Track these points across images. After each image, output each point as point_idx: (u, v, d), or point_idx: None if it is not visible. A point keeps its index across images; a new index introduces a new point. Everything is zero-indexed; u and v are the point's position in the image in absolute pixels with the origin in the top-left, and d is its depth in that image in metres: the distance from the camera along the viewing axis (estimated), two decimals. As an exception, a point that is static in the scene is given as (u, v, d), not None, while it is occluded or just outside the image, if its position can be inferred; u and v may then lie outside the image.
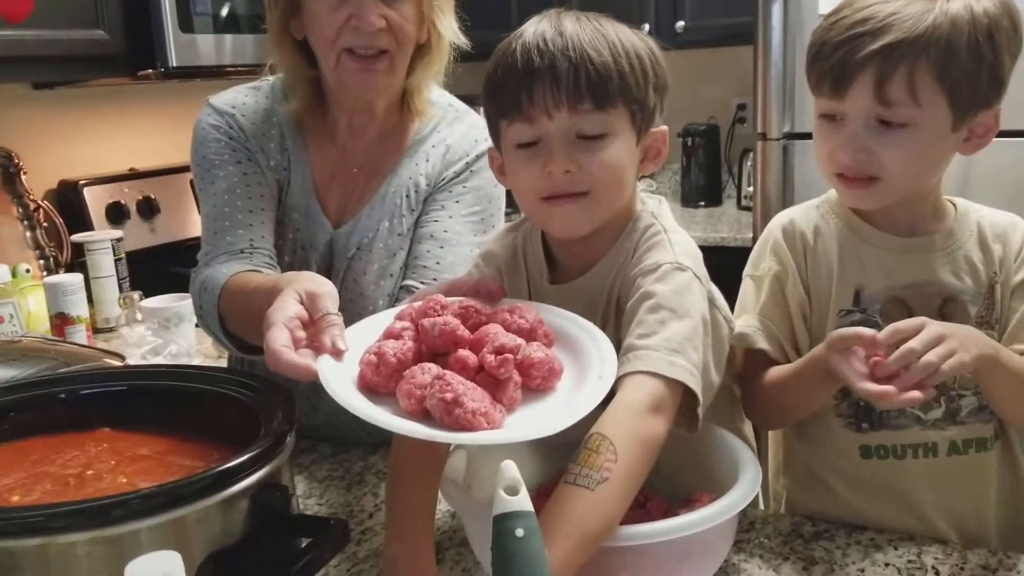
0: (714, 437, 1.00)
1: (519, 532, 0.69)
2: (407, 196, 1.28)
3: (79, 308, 1.93)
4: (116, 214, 2.41)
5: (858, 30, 0.96)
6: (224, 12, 2.26)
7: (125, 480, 0.85)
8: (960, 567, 0.96)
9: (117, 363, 1.43)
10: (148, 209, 2.47)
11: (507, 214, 1.31)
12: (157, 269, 2.31)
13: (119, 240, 2.14)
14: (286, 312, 0.90)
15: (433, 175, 1.29)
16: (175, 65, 2.15)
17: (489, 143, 1.15)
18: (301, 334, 0.90)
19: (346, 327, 0.92)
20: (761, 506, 1.15)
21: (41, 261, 2.27)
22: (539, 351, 0.87)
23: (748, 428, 1.13)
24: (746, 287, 1.13)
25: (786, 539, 1.03)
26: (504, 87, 0.96)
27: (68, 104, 2.41)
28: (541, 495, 0.91)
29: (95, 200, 2.39)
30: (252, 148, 1.28)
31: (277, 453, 0.80)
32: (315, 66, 1.26)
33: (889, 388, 0.88)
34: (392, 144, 1.31)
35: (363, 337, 0.91)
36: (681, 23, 2.83)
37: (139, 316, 1.91)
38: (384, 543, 0.93)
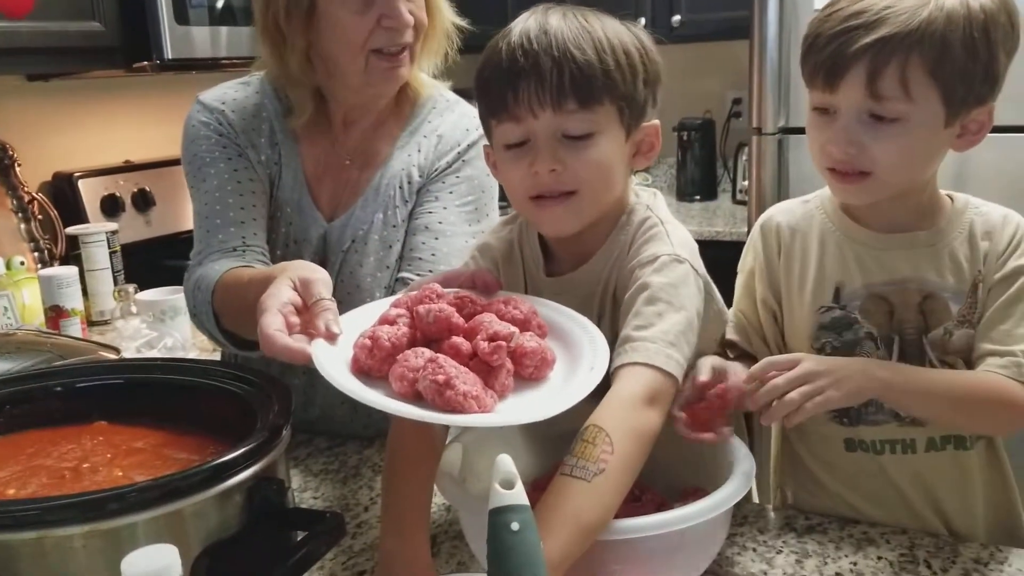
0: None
1: (515, 526, 0.70)
2: (400, 187, 1.28)
3: (74, 301, 1.93)
4: (111, 206, 2.40)
5: (852, 23, 0.95)
6: (220, 4, 2.25)
7: (121, 473, 0.85)
8: (952, 560, 0.97)
9: (112, 356, 1.44)
10: (143, 201, 2.47)
11: (501, 207, 1.31)
12: (152, 262, 2.31)
13: (114, 233, 2.14)
14: (280, 298, 0.91)
15: (426, 166, 1.29)
16: (170, 57, 2.14)
17: (480, 132, 1.16)
18: (295, 319, 0.90)
19: (341, 315, 0.92)
20: (756, 499, 1.15)
21: (36, 254, 2.26)
22: (532, 340, 0.88)
23: (741, 418, 1.14)
24: (736, 281, 1.16)
25: (779, 532, 1.03)
26: (491, 87, 0.96)
27: (63, 96, 2.40)
28: (537, 488, 0.91)
29: (90, 192, 2.38)
30: (242, 144, 1.28)
31: (273, 447, 0.80)
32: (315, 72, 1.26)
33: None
34: (384, 134, 1.31)
35: (358, 323, 0.92)
36: (677, 17, 2.82)
37: (134, 309, 1.91)
38: (380, 536, 0.93)
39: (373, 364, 0.86)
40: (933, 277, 1.04)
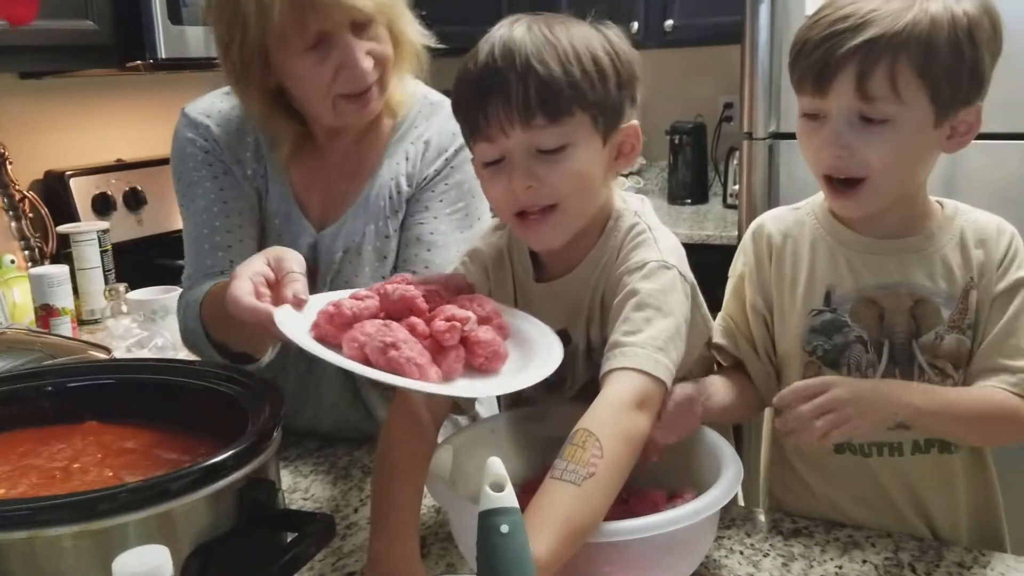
0: (697, 434, 1.01)
1: (504, 528, 0.70)
2: (390, 198, 1.27)
3: (64, 300, 1.93)
4: (102, 205, 2.40)
5: (839, 27, 0.96)
6: (213, 4, 2.25)
7: (111, 474, 0.85)
8: (936, 564, 0.98)
9: (103, 356, 1.44)
10: (135, 200, 2.47)
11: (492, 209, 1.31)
12: (144, 261, 2.31)
13: (105, 232, 2.13)
14: (252, 267, 0.96)
15: (414, 174, 1.28)
16: (164, 56, 2.14)
17: None
18: (265, 290, 0.95)
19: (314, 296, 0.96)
20: (742, 503, 1.16)
21: (26, 252, 2.26)
22: (488, 333, 0.90)
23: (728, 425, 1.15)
24: (727, 285, 1.17)
25: (766, 536, 1.04)
26: (463, 108, 0.97)
27: (55, 94, 2.40)
28: (526, 490, 0.91)
29: (81, 191, 2.38)
30: (228, 160, 1.28)
31: (264, 448, 0.80)
32: (290, 100, 1.23)
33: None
34: (370, 143, 1.30)
35: (327, 299, 0.95)
36: (670, 22, 2.83)
37: (124, 308, 1.91)
38: (369, 537, 0.93)
39: (331, 330, 0.89)
40: (924, 282, 1.05)
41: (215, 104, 1.31)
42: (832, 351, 1.07)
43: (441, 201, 1.27)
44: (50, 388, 0.98)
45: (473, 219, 1.28)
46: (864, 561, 0.98)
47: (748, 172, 2.28)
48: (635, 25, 2.80)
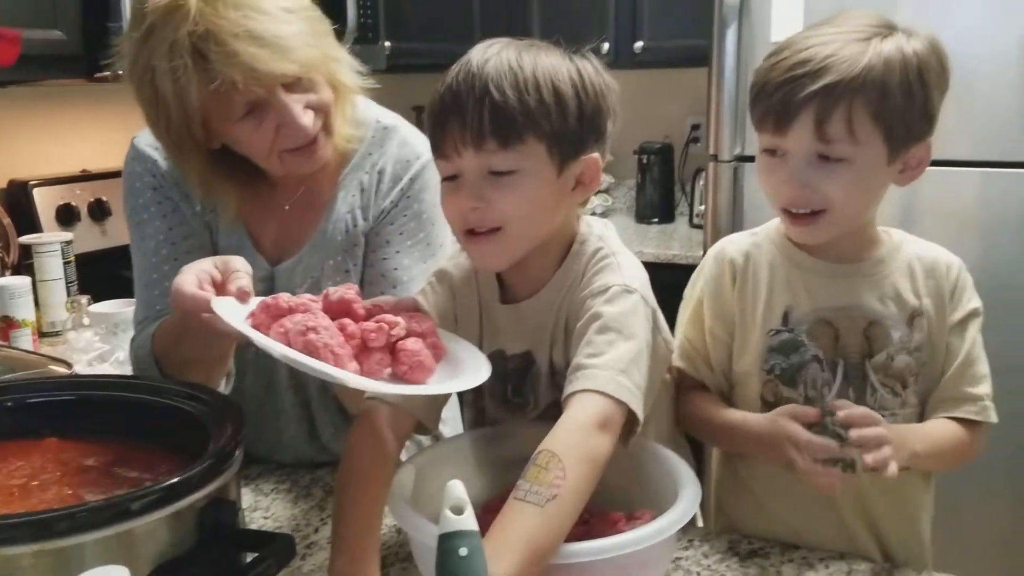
0: (655, 454, 1.02)
1: (463, 551, 0.71)
2: (347, 232, 1.25)
3: (25, 311, 1.90)
4: (67, 216, 2.37)
5: (798, 71, 1.00)
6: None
7: (71, 492, 0.84)
8: (888, 586, 1.00)
9: (63, 369, 1.42)
10: (100, 211, 2.44)
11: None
12: (108, 273, 2.28)
13: (68, 243, 2.10)
14: (200, 266, 1.00)
15: (369, 206, 1.26)
16: (131, 68, 2.13)
17: (422, 160, 1.20)
18: (209, 287, 0.97)
19: None
20: (700, 523, 1.18)
21: (-13, 262, 2.23)
22: (417, 344, 0.92)
23: (686, 442, 1.17)
24: (681, 306, 1.19)
25: (723, 556, 1.06)
26: (429, 123, 0.99)
27: (19, 103, 2.38)
28: (489, 510, 0.92)
29: (45, 201, 2.35)
30: (176, 197, 1.26)
31: (225, 468, 0.80)
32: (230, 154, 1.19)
33: (831, 479, 1.00)
34: (323, 175, 1.25)
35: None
36: (640, 43, 2.87)
37: (86, 321, 1.89)
38: (330, 557, 0.93)
39: (266, 319, 0.91)
40: (876, 305, 1.08)
41: None
42: (789, 369, 1.09)
43: (401, 234, 1.25)
44: (10, 404, 0.96)
45: (435, 247, 1.27)
46: (818, 582, 1.00)
47: (714, 193, 2.32)
48: (606, 46, 2.83)
